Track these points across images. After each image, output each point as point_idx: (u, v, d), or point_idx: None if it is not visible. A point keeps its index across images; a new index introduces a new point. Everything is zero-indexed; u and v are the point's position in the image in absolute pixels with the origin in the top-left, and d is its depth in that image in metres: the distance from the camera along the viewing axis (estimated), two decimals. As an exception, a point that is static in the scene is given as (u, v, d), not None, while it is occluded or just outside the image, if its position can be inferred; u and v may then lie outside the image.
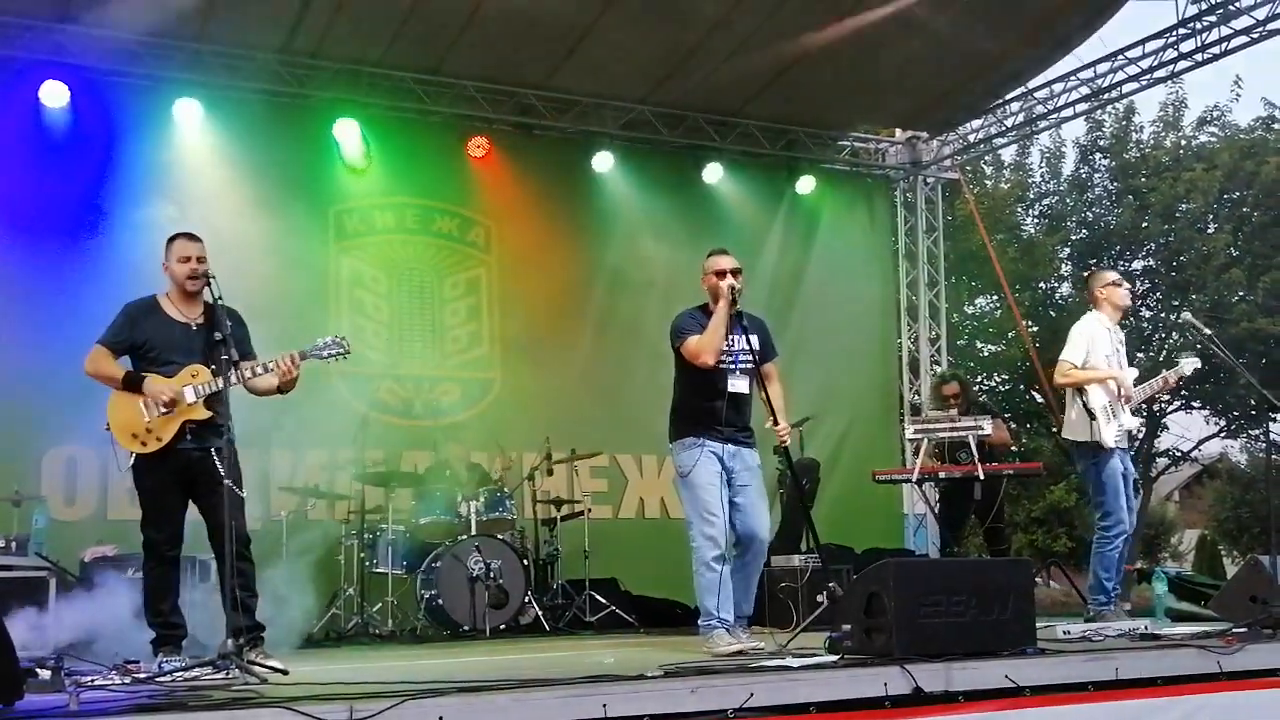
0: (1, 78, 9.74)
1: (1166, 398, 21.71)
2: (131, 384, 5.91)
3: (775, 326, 11.37)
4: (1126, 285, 7.83)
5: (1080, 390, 7.48)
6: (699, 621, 6.55)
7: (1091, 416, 7.41)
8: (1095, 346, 7.52)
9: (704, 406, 6.58)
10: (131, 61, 10.06)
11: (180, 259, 6.09)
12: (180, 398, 5.87)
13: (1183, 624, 7.00)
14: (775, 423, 6.63)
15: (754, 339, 6.62)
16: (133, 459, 5.92)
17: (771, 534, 10.23)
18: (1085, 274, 19.69)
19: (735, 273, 6.58)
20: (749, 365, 6.63)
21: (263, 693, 4.45)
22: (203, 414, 5.91)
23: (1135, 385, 7.67)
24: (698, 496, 6.49)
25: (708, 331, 6.47)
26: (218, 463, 5.71)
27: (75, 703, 4.14)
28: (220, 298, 5.86)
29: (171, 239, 6.24)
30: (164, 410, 5.85)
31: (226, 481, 5.53)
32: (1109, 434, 7.39)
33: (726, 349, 6.57)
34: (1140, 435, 22.41)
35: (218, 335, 5.78)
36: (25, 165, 9.78)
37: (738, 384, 6.59)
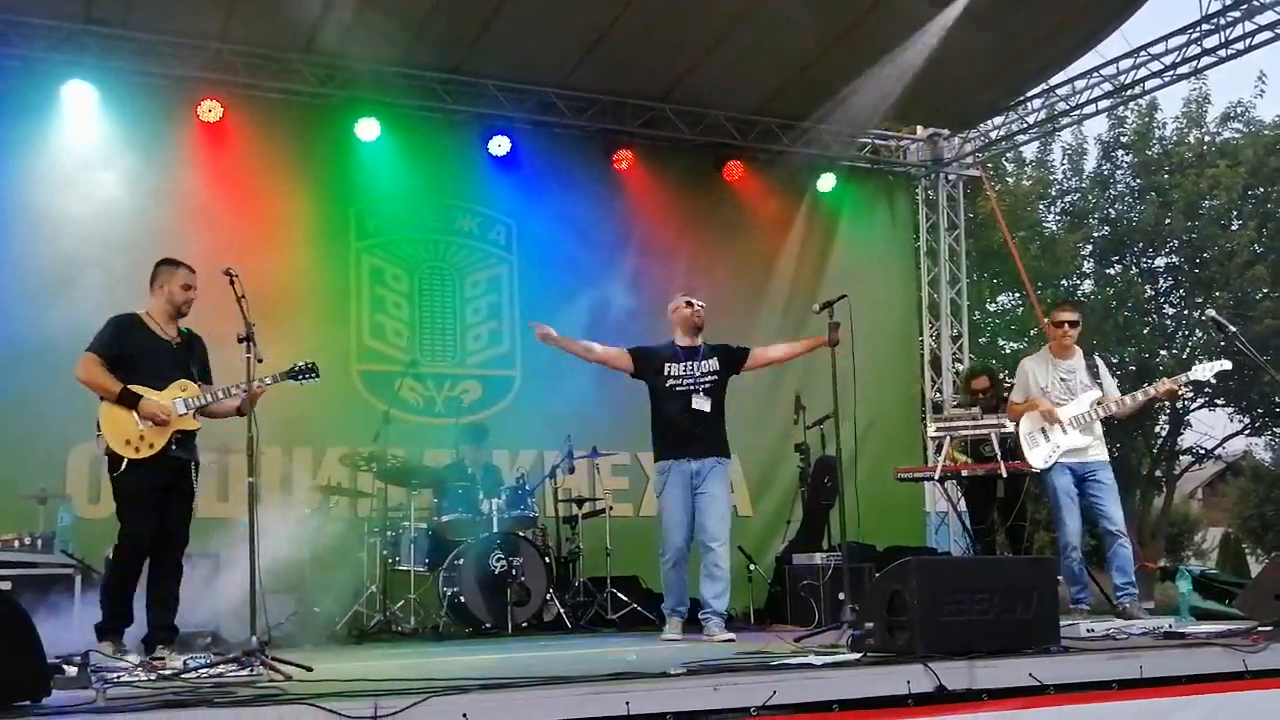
0: (26, 78, 9.81)
1: (1190, 394, 21.61)
2: (128, 401, 6.29)
3: (795, 324, 11.53)
4: (1067, 327, 8.26)
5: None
6: (663, 607, 7.77)
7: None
8: (1031, 381, 8.30)
9: (672, 427, 7.66)
10: (154, 61, 10.10)
11: (184, 286, 6.56)
12: (172, 414, 6.33)
13: (1207, 622, 6.96)
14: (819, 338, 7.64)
15: (714, 361, 7.72)
16: (125, 464, 6.28)
17: (792, 532, 10.41)
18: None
19: (696, 305, 7.94)
20: (709, 385, 7.67)
21: (287, 689, 4.47)
22: (193, 425, 6.48)
23: (1136, 390, 8.21)
24: (662, 514, 7.74)
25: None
26: (194, 479, 6.47)
27: (102, 699, 4.16)
28: (243, 296, 5.97)
29: (171, 265, 6.63)
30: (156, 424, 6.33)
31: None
32: (1034, 457, 8.12)
33: (688, 373, 7.68)
34: (1164, 432, 22.34)
35: (240, 334, 5.90)
36: (49, 167, 9.85)
37: (700, 403, 7.62)
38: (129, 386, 6.32)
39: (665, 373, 7.73)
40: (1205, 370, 8.01)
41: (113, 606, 6.33)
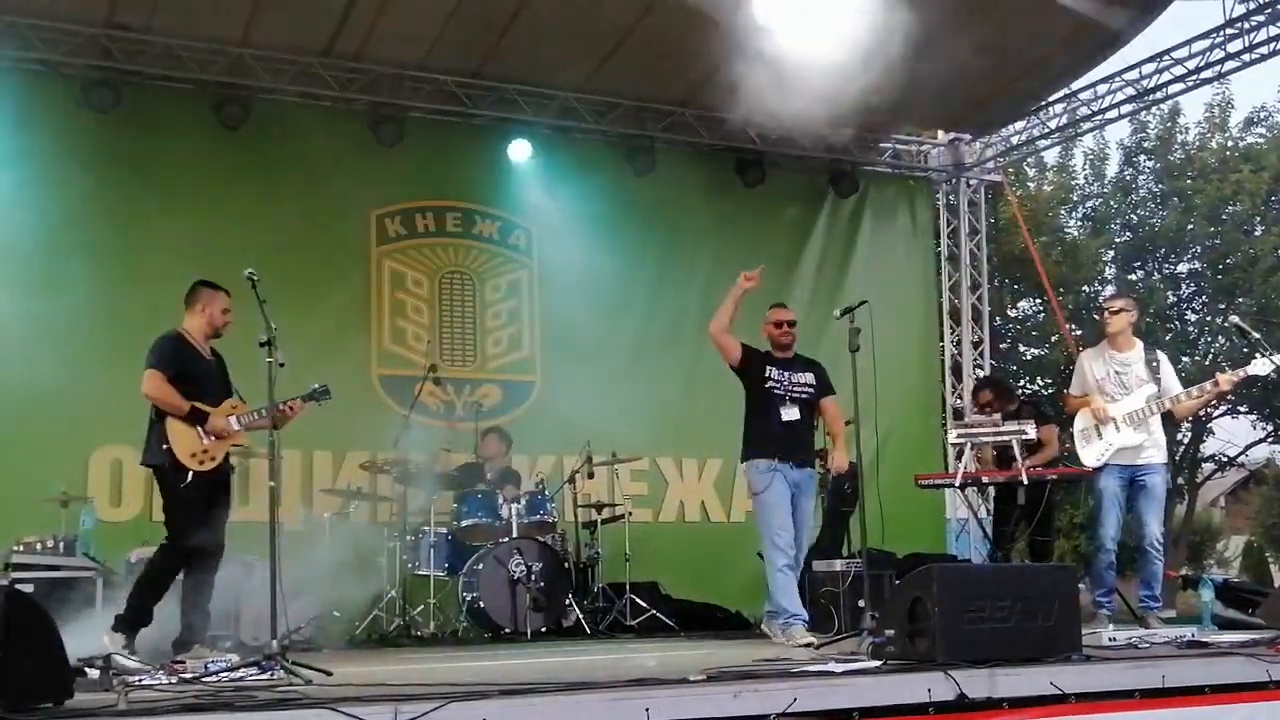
0: (50, 84, 9.87)
1: (1213, 401, 21.45)
2: (195, 418, 6.56)
3: (816, 329, 11.51)
4: (1108, 315, 8.20)
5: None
6: (778, 620, 7.51)
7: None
8: (1089, 374, 8.16)
9: (770, 431, 7.60)
10: (176, 66, 10.15)
11: (224, 310, 6.84)
12: (231, 430, 6.66)
13: (1230, 631, 6.91)
14: (831, 456, 7.93)
15: (810, 376, 7.78)
16: (190, 476, 6.50)
17: (812, 538, 10.37)
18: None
19: (790, 324, 7.90)
20: (803, 396, 7.70)
21: (307, 694, 4.48)
22: (243, 440, 6.86)
23: (1185, 390, 8.00)
24: (769, 514, 7.52)
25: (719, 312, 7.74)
26: (232, 487, 6.87)
27: (124, 702, 4.17)
28: (265, 300, 6.04)
29: (211, 288, 6.85)
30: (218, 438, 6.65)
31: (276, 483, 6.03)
32: (1087, 455, 8.03)
33: (781, 380, 7.67)
34: (1185, 440, 22.20)
35: (262, 339, 5.98)
36: (71, 170, 9.90)
37: (790, 412, 7.61)
38: (194, 404, 6.60)
39: (766, 375, 7.74)
40: (1265, 365, 7.72)
41: (142, 605, 6.48)
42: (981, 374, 13.13)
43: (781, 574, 7.45)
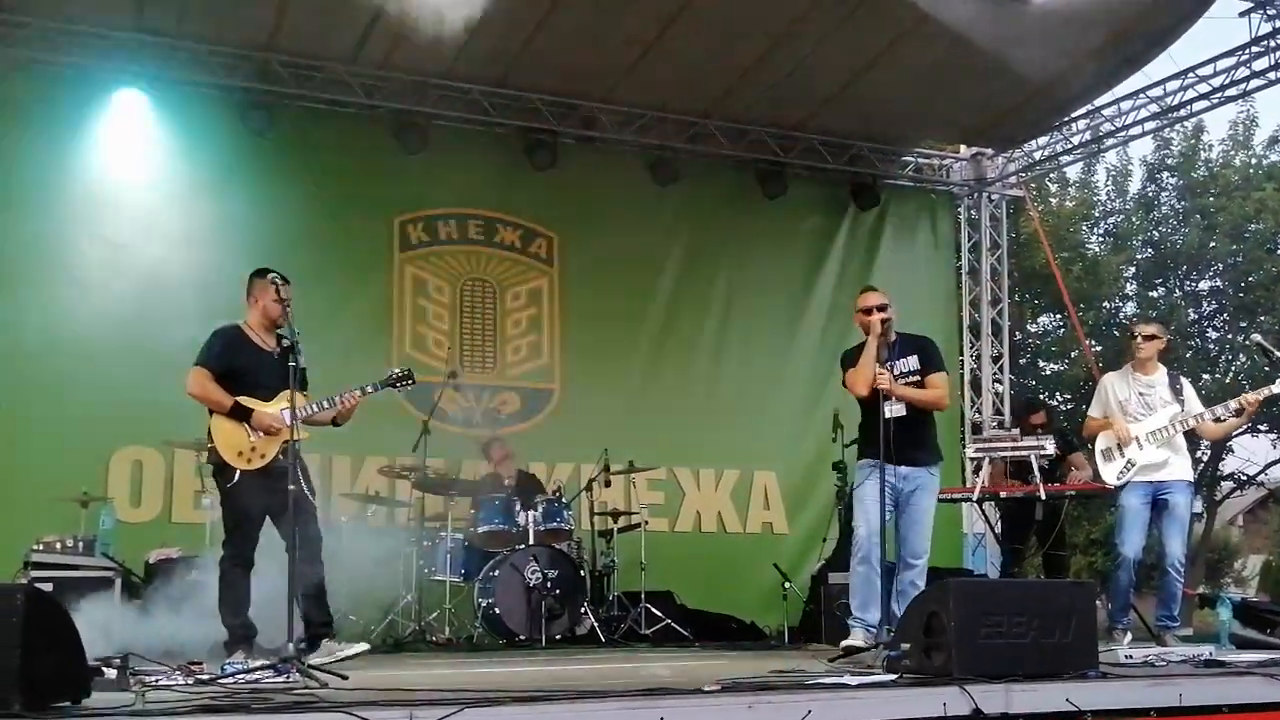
0: (78, 86, 9.94)
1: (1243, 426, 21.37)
2: (240, 414, 6.41)
3: (835, 342, 11.52)
4: (1141, 340, 8.16)
5: None
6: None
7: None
8: (1110, 395, 8.20)
9: (874, 430, 6.94)
10: (203, 70, 10.22)
11: (274, 300, 6.48)
12: (282, 424, 6.35)
13: (1248, 651, 6.87)
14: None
15: (914, 360, 7.17)
16: (238, 475, 6.38)
17: (828, 551, 10.35)
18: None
19: (881, 308, 7.07)
20: (909, 385, 7.12)
21: (323, 697, 4.49)
22: (301, 434, 6.42)
23: (1206, 409, 8.02)
24: (856, 510, 7.16)
25: (857, 365, 7.06)
26: (304, 485, 6.35)
27: (141, 702, 4.20)
28: (289, 302, 6.04)
29: (264, 275, 6.60)
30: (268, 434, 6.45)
31: (299, 487, 6.00)
32: (1108, 473, 8.07)
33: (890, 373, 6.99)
34: (1205, 459, 22.10)
35: (285, 346, 5.96)
36: (96, 172, 9.97)
37: (894, 408, 6.95)
38: (239, 400, 6.45)
39: None
40: None
41: (230, 621, 6.42)
42: (1001, 388, 13.11)
43: (854, 573, 7.07)
